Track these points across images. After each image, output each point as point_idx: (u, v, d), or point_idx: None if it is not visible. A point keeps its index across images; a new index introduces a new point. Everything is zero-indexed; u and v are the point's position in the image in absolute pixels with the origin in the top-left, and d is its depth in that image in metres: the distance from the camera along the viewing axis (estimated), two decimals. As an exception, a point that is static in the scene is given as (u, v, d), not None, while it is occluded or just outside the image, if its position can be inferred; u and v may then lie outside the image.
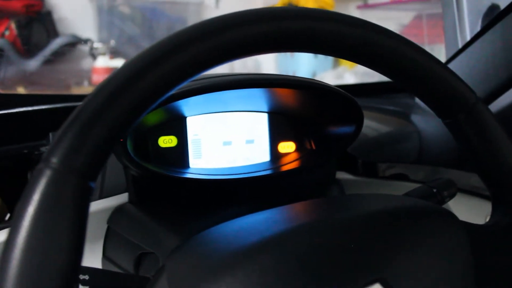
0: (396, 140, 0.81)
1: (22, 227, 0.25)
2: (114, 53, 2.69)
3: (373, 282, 0.30)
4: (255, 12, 0.31)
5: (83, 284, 0.37)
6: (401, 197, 0.42)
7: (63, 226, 0.26)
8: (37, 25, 2.60)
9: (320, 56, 3.30)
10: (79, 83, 2.67)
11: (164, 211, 0.49)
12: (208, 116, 0.54)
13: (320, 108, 0.56)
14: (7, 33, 2.46)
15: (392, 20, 2.69)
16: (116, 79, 0.28)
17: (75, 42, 2.60)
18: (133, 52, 2.85)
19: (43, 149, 0.68)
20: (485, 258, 0.38)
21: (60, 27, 2.71)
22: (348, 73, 2.95)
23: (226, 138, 0.55)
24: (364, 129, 0.78)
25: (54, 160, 0.26)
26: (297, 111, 0.57)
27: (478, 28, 0.99)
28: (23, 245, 0.25)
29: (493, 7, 0.98)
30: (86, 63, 2.77)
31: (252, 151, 0.57)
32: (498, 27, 0.74)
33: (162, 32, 2.99)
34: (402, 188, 0.61)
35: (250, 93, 0.52)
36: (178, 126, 0.53)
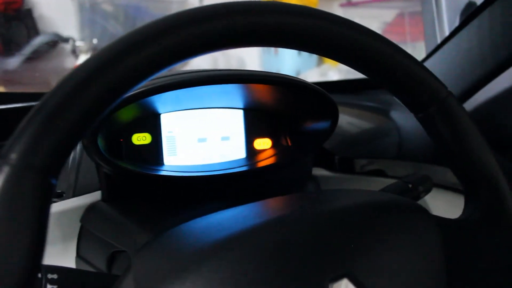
0: (375, 136, 0.82)
1: None
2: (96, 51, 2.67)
3: (340, 277, 0.30)
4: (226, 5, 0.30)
5: (51, 283, 0.36)
6: (373, 192, 0.42)
7: (22, 223, 0.25)
8: (17, 23, 2.56)
9: (304, 54, 3.30)
10: (60, 82, 2.65)
11: (137, 209, 0.49)
12: (182, 112, 0.53)
13: (296, 104, 0.56)
14: (-14, 31, 2.42)
15: (375, 18, 2.70)
16: (78, 74, 0.27)
17: (57, 40, 2.56)
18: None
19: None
20: (456, 251, 0.38)
21: (41, 25, 2.68)
22: (332, 71, 2.96)
23: (201, 135, 0.55)
24: (344, 125, 0.78)
25: (13, 156, 0.25)
26: (272, 108, 0.57)
27: (456, 25, 1.00)
28: None
29: (470, 4, 0.99)
30: (68, 61, 2.74)
31: (228, 148, 0.56)
32: (474, 24, 0.75)
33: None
34: (379, 184, 0.61)
35: (225, 89, 0.52)
36: (152, 123, 0.52)
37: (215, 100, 0.54)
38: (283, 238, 0.31)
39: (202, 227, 0.34)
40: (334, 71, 2.94)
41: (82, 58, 2.63)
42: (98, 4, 2.77)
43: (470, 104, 0.83)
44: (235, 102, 0.55)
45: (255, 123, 0.57)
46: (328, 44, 0.34)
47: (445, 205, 0.63)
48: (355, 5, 2.87)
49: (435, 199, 0.61)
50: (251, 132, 0.57)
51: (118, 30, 2.84)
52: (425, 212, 0.38)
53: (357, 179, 0.67)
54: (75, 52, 2.67)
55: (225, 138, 0.56)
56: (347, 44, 0.34)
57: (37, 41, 2.52)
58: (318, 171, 0.66)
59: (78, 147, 0.58)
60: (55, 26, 2.74)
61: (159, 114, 0.53)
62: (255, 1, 0.31)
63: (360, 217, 0.35)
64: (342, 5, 2.91)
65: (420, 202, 0.54)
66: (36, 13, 2.66)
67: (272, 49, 3.43)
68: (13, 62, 2.48)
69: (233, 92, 0.53)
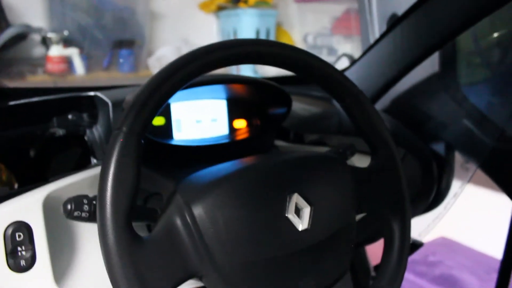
0: (321, 117, 1.08)
1: (110, 166, 0.48)
2: (67, 42, 2.80)
3: (293, 192, 0.56)
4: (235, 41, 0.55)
5: None
6: (311, 151, 0.67)
7: (130, 166, 0.49)
8: (-13, 15, 2.65)
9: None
10: (33, 72, 2.77)
11: (159, 167, 0.72)
12: (186, 102, 0.77)
13: (263, 96, 0.81)
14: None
15: (326, 13, 2.97)
16: (152, 81, 0.51)
17: (28, 32, 2.68)
18: (86, 40, 2.89)
19: (51, 130, 0.88)
20: (362, 186, 0.64)
21: (10, 16, 2.78)
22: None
23: (198, 118, 0.78)
24: (297, 110, 1.03)
25: (124, 128, 0.49)
26: (246, 99, 0.81)
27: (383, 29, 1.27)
28: (111, 175, 0.48)
29: (394, 15, 1.26)
30: (38, 51, 2.87)
31: (216, 127, 0.80)
32: (389, 36, 1.01)
33: (110, 21, 3.11)
34: (321, 150, 0.87)
35: (214, 87, 0.76)
36: (165, 110, 0.75)
37: (207, 94, 0.78)
38: (263, 171, 0.56)
39: (213, 170, 0.58)
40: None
41: (54, 48, 2.77)
42: (66, -4, 2.89)
43: (390, 96, 1.11)
44: (221, 95, 0.79)
45: (235, 109, 0.81)
46: (286, 63, 0.59)
47: (364, 163, 0.89)
48: (308, 1, 3.12)
49: (359, 159, 0.87)
50: (232, 115, 0.81)
51: (85, 21, 2.97)
52: (343, 161, 0.64)
53: (305, 147, 0.93)
54: (45, 42, 2.79)
55: (214, 120, 0.80)
56: (298, 63, 0.59)
57: (8, 32, 2.64)
58: (278, 142, 0.91)
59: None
60: (24, 17, 2.85)
61: (169, 104, 0.76)
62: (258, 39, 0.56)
63: (305, 161, 0.60)
64: (297, 1, 3.15)
65: (349, 161, 0.81)
66: (5, 5, 2.76)
67: (232, 37, 3.65)
68: (-14, 52, 2.58)
69: (220, 89, 0.77)
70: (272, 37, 3.51)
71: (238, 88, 0.78)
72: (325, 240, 0.58)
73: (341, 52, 2.80)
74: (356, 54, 2.68)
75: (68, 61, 2.84)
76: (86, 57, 2.94)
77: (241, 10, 3.44)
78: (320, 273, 0.58)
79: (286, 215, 0.55)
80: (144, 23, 3.26)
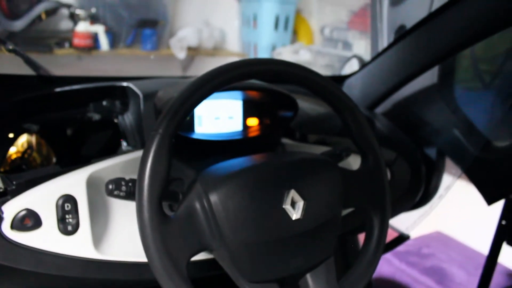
0: (324, 118, 1.20)
1: (148, 159, 0.61)
2: (93, 19, 2.93)
3: (291, 188, 0.69)
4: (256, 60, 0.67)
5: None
6: (309, 153, 0.80)
7: (163, 160, 0.62)
8: (21, -12, 2.78)
9: (280, 31, 3.63)
10: (60, 45, 2.91)
11: (182, 157, 0.85)
12: (207, 101, 0.89)
13: (273, 100, 0.93)
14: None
15: (344, 6, 3.05)
16: (185, 92, 0.63)
17: (58, 7, 2.81)
18: (112, 18, 3.02)
19: (89, 114, 1.01)
20: (351, 185, 0.77)
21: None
22: (303, 49, 3.31)
23: (217, 115, 0.91)
24: (305, 109, 1.15)
25: (160, 130, 0.62)
26: (259, 101, 0.94)
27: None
28: (149, 166, 0.61)
29: (402, 26, 1.36)
30: (66, 25, 3.00)
31: (232, 124, 0.93)
32: (392, 49, 1.13)
33: (135, 0, 3.22)
34: (321, 149, 0.99)
35: (232, 92, 0.89)
36: None
37: (226, 95, 0.90)
38: (267, 170, 0.69)
39: (228, 164, 0.71)
40: (305, 50, 3.29)
41: (81, 24, 2.89)
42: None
43: (391, 101, 1.22)
44: (237, 96, 0.92)
45: (249, 109, 0.93)
46: (292, 79, 0.71)
47: (358, 162, 1.00)
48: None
49: (353, 159, 1.00)
50: (246, 114, 0.93)
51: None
52: (335, 164, 0.77)
53: (307, 146, 1.06)
54: (73, 18, 2.92)
55: (230, 117, 0.92)
56: (305, 81, 0.71)
57: (40, 6, 2.77)
58: (284, 140, 1.04)
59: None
60: (55, -8, 2.97)
61: None
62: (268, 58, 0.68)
63: (302, 164, 0.73)
64: (315, -8, 3.24)
65: (345, 161, 0.93)
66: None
67: (251, 22, 3.73)
68: (18, 24, 2.73)
69: (237, 92, 0.90)
70: (291, 24, 3.59)
71: (253, 92, 0.91)
72: (314, 229, 0.71)
73: (356, 47, 2.89)
74: (369, 52, 2.77)
75: (93, 37, 2.98)
76: (111, 34, 3.07)
77: (262, -4, 3.52)
78: (307, 255, 0.71)
79: (283, 206, 0.68)
80: (167, 3, 3.37)
